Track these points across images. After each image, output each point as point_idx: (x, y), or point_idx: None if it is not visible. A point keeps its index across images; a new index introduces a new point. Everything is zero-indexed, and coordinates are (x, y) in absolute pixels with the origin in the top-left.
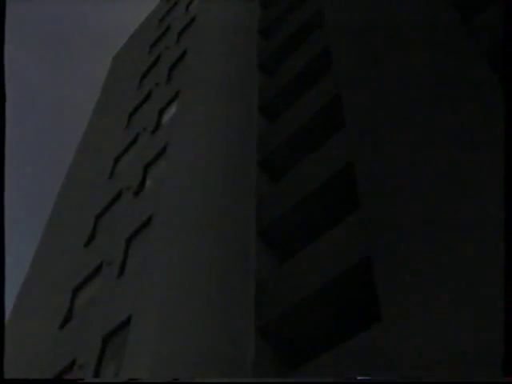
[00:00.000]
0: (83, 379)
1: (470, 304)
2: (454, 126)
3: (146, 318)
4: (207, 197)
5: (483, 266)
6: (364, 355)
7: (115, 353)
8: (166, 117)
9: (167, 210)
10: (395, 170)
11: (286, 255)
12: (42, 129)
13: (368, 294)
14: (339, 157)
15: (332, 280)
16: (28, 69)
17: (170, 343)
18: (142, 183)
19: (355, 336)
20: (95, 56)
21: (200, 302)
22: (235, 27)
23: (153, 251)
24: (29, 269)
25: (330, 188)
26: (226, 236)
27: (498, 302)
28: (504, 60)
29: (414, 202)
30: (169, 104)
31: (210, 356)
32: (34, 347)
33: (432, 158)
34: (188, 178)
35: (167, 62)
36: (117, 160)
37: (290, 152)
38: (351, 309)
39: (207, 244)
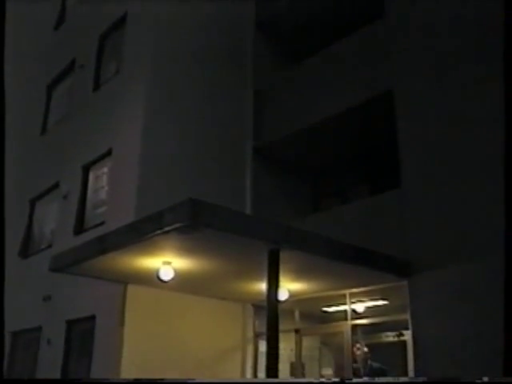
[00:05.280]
0: (79, 381)
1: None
2: None
3: (144, 16)
4: None
5: None
6: (364, 47)
7: (114, 52)
8: None
9: None
10: None
11: None
12: None
13: None
14: None
15: None
16: None
17: (169, 38)
18: None
19: (357, 30)
20: None
21: None
22: None
23: None
24: None
25: None
26: None
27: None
28: None
29: None
30: None
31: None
32: (30, 53)
33: None
34: None
35: None
36: None
37: None
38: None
39: None
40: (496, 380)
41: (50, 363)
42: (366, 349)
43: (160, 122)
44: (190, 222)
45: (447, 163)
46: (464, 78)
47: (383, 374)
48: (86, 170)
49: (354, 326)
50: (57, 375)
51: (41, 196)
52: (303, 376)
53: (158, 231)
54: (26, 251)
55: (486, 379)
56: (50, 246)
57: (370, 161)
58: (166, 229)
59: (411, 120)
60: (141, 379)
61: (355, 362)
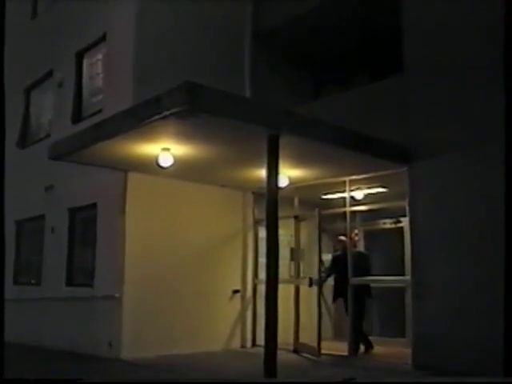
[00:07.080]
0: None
1: None
2: None
3: None
4: None
5: None
6: None
7: None
8: None
9: None
10: None
11: None
12: None
13: None
14: None
15: None
16: None
17: None
18: None
19: None
20: None
21: None
22: None
23: None
24: None
25: None
26: None
27: None
28: None
29: None
30: None
31: None
32: None
33: None
34: None
35: None
36: None
37: None
38: None
39: None
40: (496, 380)
41: (55, 251)
42: (344, 238)
43: (156, 4)
44: (188, 106)
45: (449, 50)
46: None
47: (363, 257)
48: (80, 56)
49: (353, 213)
50: (62, 262)
51: (35, 84)
52: (302, 260)
53: (156, 116)
54: (24, 141)
55: (485, 379)
56: (48, 136)
57: (371, 48)
58: (164, 114)
59: (415, 4)
60: (145, 379)
61: (354, 246)
